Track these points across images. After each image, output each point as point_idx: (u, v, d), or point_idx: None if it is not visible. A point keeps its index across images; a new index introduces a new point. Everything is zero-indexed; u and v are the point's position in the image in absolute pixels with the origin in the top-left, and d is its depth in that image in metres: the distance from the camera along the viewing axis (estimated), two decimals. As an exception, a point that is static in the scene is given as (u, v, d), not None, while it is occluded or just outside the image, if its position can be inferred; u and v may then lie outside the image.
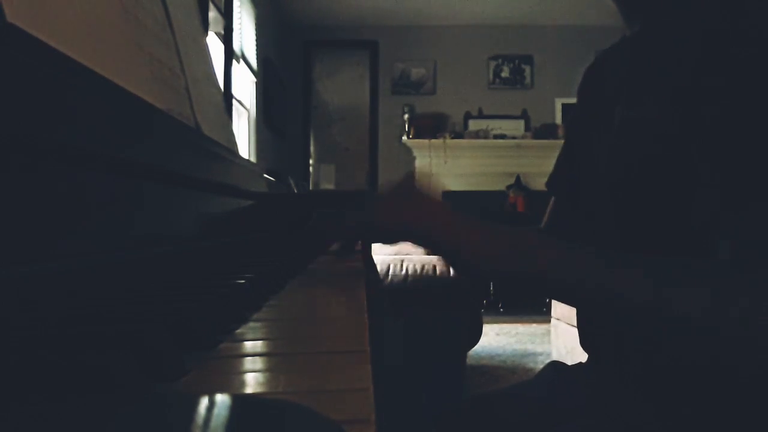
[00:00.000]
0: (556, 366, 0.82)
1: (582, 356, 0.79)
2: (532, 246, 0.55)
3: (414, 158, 5.28)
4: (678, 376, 0.58)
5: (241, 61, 3.73)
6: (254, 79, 4.13)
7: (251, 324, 0.42)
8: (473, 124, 5.36)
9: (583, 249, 0.55)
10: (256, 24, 4.16)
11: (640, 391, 0.62)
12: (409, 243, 0.61)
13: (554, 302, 2.90)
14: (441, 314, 2.40)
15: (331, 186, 5.49)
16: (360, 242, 0.83)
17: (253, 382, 0.29)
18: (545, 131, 5.27)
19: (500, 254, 0.55)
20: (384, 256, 2.51)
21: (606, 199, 0.67)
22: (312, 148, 5.61)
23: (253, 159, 3.93)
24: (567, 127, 0.89)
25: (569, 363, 0.81)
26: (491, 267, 0.55)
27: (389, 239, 0.64)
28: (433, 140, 5.17)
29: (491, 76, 5.52)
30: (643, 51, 0.67)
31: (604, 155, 0.68)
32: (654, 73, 0.63)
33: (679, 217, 0.56)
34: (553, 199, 0.90)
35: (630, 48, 0.70)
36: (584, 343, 0.76)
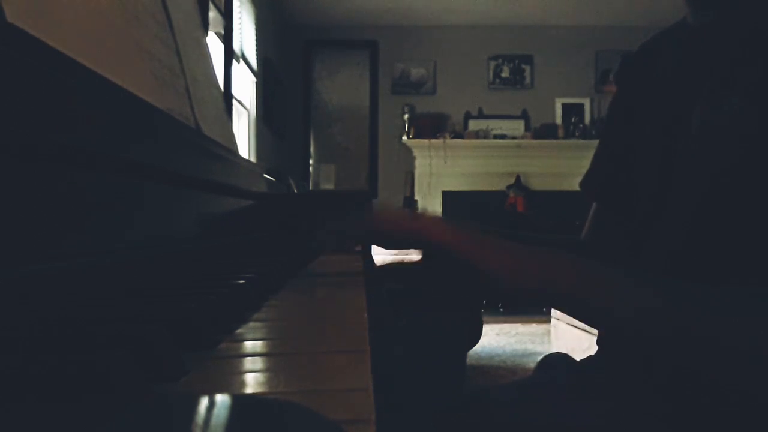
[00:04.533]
0: (564, 360, 0.80)
1: (583, 355, 0.78)
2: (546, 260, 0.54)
3: (414, 158, 5.28)
4: (693, 377, 0.57)
5: (241, 61, 3.73)
6: (254, 79, 4.13)
7: (251, 324, 0.42)
8: (473, 124, 5.36)
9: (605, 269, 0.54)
10: (256, 24, 4.15)
11: (654, 391, 0.61)
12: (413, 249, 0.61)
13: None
14: (441, 314, 2.40)
15: (331, 186, 5.48)
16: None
17: (253, 382, 0.29)
18: (545, 131, 5.27)
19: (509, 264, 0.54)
20: (384, 256, 2.51)
21: (677, 206, 0.62)
22: (312, 148, 5.60)
23: (253, 159, 3.93)
24: (607, 122, 0.82)
25: (569, 363, 0.80)
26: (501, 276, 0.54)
27: (393, 244, 0.63)
28: (433, 140, 5.17)
29: (491, 76, 5.52)
30: (723, 44, 0.61)
31: (681, 161, 0.62)
32: (739, 68, 0.57)
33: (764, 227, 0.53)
34: (594, 205, 0.83)
35: (703, 39, 0.64)
36: (600, 341, 0.74)
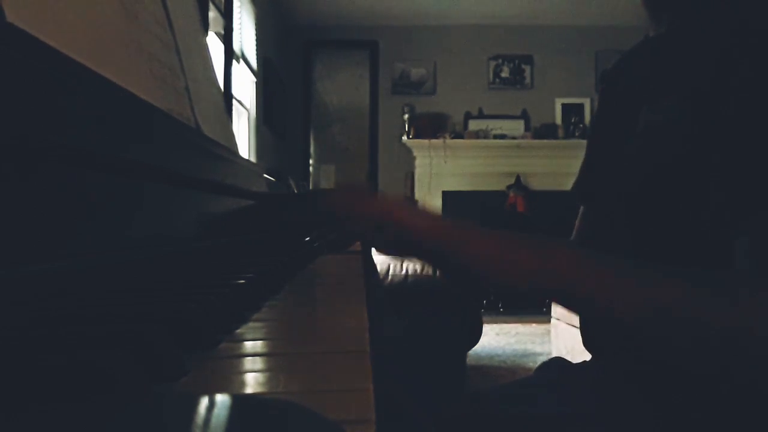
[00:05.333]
0: (558, 363, 0.81)
1: (583, 355, 0.79)
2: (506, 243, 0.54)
3: (414, 158, 5.27)
4: (681, 376, 0.58)
5: (241, 61, 3.73)
6: (254, 79, 4.13)
7: (251, 324, 0.42)
8: (473, 124, 5.36)
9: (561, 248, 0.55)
10: (256, 24, 4.15)
11: (644, 391, 0.62)
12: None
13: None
14: (441, 314, 2.40)
15: (331, 186, 5.48)
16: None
17: (253, 382, 0.29)
18: (545, 131, 5.27)
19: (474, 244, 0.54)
20: (384, 256, 2.51)
21: (623, 202, 0.66)
22: (312, 148, 5.60)
23: (253, 159, 3.92)
24: (589, 133, 0.88)
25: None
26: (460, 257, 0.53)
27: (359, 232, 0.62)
28: (433, 140, 5.16)
29: (491, 76, 5.51)
30: (668, 52, 0.67)
31: (626, 158, 0.67)
32: (678, 74, 0.62)
33: (694, 221, 0.55)
34: (582, 208, 0.87)
35: (654, 49, 0.70)
36: (587, 344, 0.75)
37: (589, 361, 0.77)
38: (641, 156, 0.64)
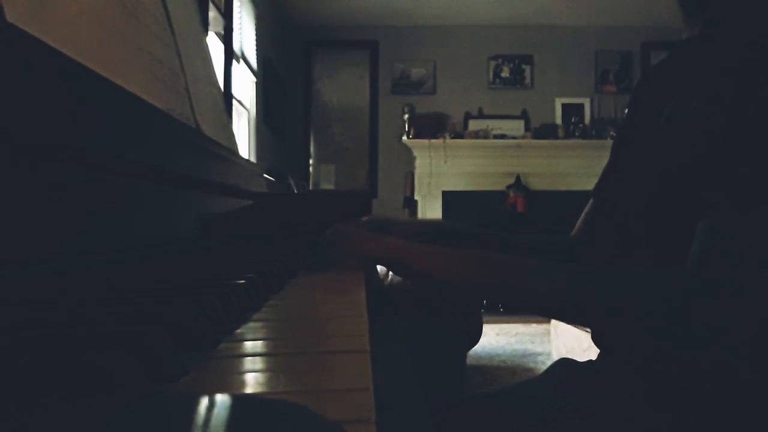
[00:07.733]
0: (565, 363, 0.81)
1: (583, 355, 0.78)
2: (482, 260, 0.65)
3: (414, 158, 5.27)
4: (689, 375, 0.58)
5: (241, 61, 3.73)
6: (254, 79, 4.13)
7: (251, 324, 0.42)
8: (473, 124, 5.36)
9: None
10: (256, 24, 4.15)
11: (652, 387, 0.61)
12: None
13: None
14: (441, 314, 2.40)
15: (331, 186, 5.48)
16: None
17: (253, 382, 0.29)
18: (545, 131, 5.26)
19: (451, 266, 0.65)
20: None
21: (641, 200, 0.66)
22: (312, 148, 5.60)
23: (253, 159, 3.92)
24: (615, 137, 0.89)
25: (572, 363, 0.80)
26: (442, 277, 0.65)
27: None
28: (433, 140, 5.16)
29: (491, 76, 5.51)
30: (696, 53, 0.67)
31: (645, 155, 0.67)
32: (704, 76, 0.62)
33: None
34: (591, 201, 0.88)
35: (684, 51, 0.71)
36: (596, 339, 0.75)
37: (597, 359, 0.77)
38: (661, 154, 0.64)
